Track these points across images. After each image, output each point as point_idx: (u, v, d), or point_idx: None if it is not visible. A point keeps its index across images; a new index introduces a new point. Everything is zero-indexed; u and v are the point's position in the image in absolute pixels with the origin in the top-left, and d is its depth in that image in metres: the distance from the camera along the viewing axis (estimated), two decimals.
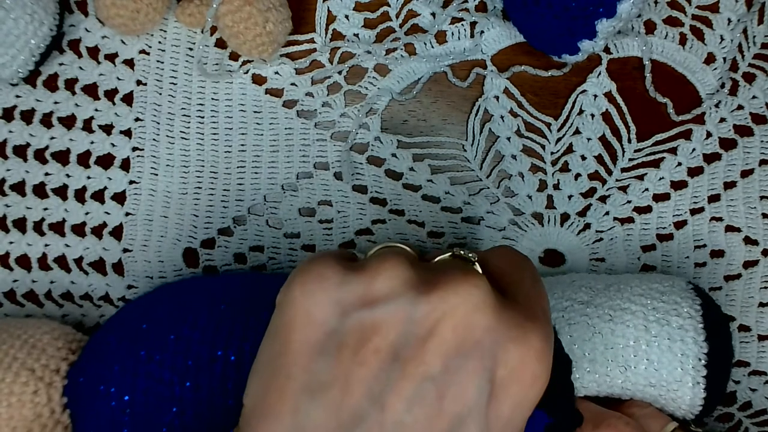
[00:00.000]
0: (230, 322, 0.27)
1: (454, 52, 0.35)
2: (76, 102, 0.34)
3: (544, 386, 0.20)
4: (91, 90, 0.34)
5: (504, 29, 0.35)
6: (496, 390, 0.19)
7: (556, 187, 0.35)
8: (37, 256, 0.34)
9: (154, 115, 0.34)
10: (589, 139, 0.34)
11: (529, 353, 0.20)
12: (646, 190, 0.34)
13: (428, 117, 0.35)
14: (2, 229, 0.34)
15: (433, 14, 0.35)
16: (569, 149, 0.35)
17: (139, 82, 0.34)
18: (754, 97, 0.34)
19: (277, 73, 0.35)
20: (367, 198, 0.35)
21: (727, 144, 0.34)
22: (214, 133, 0.35)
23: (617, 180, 0.34)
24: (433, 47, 0.35)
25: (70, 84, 0.34)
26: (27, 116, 0.34)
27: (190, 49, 0.35)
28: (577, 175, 0.35)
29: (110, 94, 0.34)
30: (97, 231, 0.34)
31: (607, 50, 0.35)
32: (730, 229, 0.34)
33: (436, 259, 0.22)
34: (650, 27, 0.35)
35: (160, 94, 0.35)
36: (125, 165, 0.34)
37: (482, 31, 0.35)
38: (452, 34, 0.35)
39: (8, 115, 0.34)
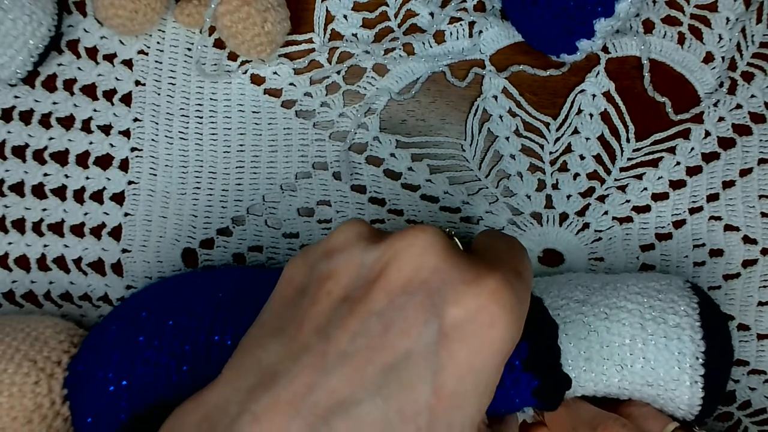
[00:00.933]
0: (227, 309, 0.27)
1: (452, 52, 0.35)
2: (75, 102, 0.34)
3: (507, 330, 0.20)
4: (89, 90, 0.34)
5: (502, 29, 0.35)
6: (449, 330, 0.20)
7: (555, 186, 0.35)
8: (36, 257, 0.34)
9: (152, 116, 0.34)
10: (587, 139, 0.34)
11: (483, 294, 0.20)
12: (645, 189, 0.34)
13: (427, 117, 0.35)
14: (1, 230, 0.34)
15: (432, 14, 0.35)
16: (568, 149, 0.35)
17: (137, 83, 0.35)
18: (752, 96, 0.34)
19: (275, 73, 0.35)
20: (366, 198, 0.35)
21: (726, 143, 0.34)
22: (213, 134, 0.35)
23: (616, 179, 0.34)
24: (431, 47, 0.35)
25: (69, 84, 0.34)
26: (26, 117, 0.34)
27: (189, 49, 0.35)
28: (576, 175, 0.35)
29: (109, 95, 0.34)
30: (96, 231, 0.34)
31: (605, 50, 0.35)
32: (729, 228, 0.34)
33: None
34: (649, 26, 0.35)
35: (159, 94, 0.35)
36: (124, 165, 0.34)
37: (481, 31, 0.35)
38: (451, 33, 0.35)
39: (7, 115, 0.34)
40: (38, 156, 0.34)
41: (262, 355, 0.21)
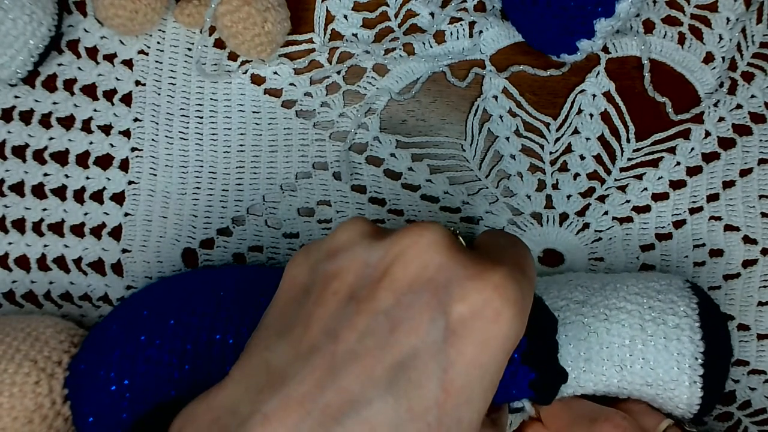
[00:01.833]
0: (229, 307, 0.27)
1: (452, 52, 0.35)
2: (75, 102, 0.34)
3: (512, 325, 0.20)
4: (89, 90, 0.34)
5: (502, 29, 0.35)
6: (456, 326, 0.20)
7: (555, 186, 0.35)
8: (36, 257, 0.34)
9: (152, 116, 0.34)
10: (587, 139, 0.34)
11: (487, 288, 0.20)
12: (645, 189, 0.34)
13: (427, 117, 0.35)
14: (1, 230, 0.34)
15: (432, 14, 0.35)
16: (568, 149, 0.35)
17: (137, 83, 0.34)
18: (752, 96, 0.34)
19: (275, 73, 0.35)
20: (366, 198, 0.35)
21: (726, 143, 0.34)
22: (213, 134, 0.35)
23: (616, 179, 0.34)
24: (431, 47, 0.35)
25: (69, 84, 0.34)
26: (26, 117, 0.34)
27: (189, 49, 0.35)
28: (576, 175, 0.35)
29: (109, 95, 0.34)
30: (96, 231, 0.34)
31: (605, 50, 0.35)
32: (729, 228, 0.34)
33: None
34: (649, 26, 0.35)
35: (159, 94, 0.35)
36: (124, 165, 0.34)
37: (481, 31, 0.35)
38: (451, 33, 0.35)
39: (7, 115, 0.34)
40: (38, 156, 0.34)
41: (270, 357, 0.21)
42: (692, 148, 0.34)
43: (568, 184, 0.34)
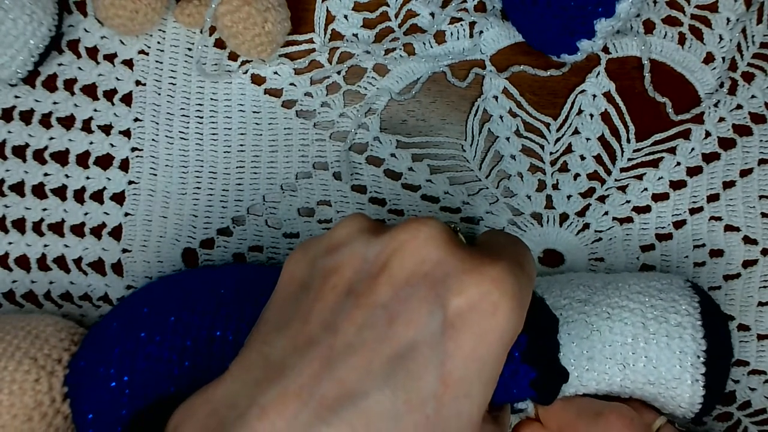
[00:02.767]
0: (229, 305, 0.27)
1: (453, 52, 0.35)
2: (75, 102, 0.34)
3: (510, 318, 0.20)
4: (90, 90, 0.34)
5: (503, 29, 0.35)
6: (454, 320, 0.20)
7: (555, 187, 0.35)
8: (36, 257, 0.34)
9: (153, 116, 0.34)
10: (588, 139, 0.34)
11: (485, 282, 0.20)
12: (645, 189, 0.34)
13: (427, 117, 0.35)
14: (1, 230, 0.34)
15: (432, 14, 0.35)
16: (568, 149, 0.35)
17: (138, 83, 0.34)
18: (753, 96, 0.34)
19: (276, 73, 0.35)
20: (366, 198, 0.35)
21: (726, 143, 0.34)
22: (213, 134, 0.35)
23: (616, 180, 0.34)
24: (432, 47, 0.35)
25: (69, 84, 0.34)
26: (26, 117, 0.34)
27: (189, 49, 0.35)
28: (576, 175, 0.35)
29: (109, 95, 0.34)
30: (96, 231, 0.34)
31: (605, 50, 0.35)
32: (729, 228, 0.34)
33: None
34: (649, 26, 0.35)
35: (159, 94, 0.35)
36: (124, 165, 0.34)
37: (481, 31, 0.35)
38: (451, 34, 0.35)
39: (7, 115, 0.34)
40: (38, 156, 0.34)
41: (268, 351, 0.21)
42: (692, 149, 0.34)
43: (568, 185, 0.34)
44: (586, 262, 0.34)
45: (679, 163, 0.34)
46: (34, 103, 0.34)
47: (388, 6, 0.35)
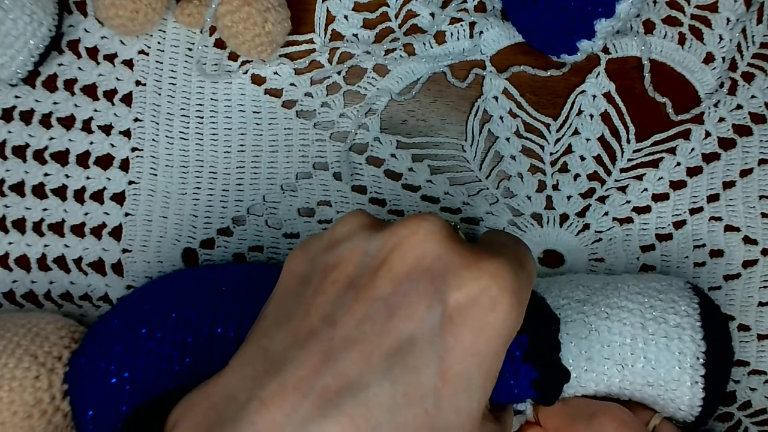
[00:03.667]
0: (230, 302, 0.27)
1: (453, 53, 0.35)
2: (75, 102, 0.34)
3: (509, 313, 0.20)
4: (90, 90, 0.34)
5: (503, 29, 0.35)
6: (453, 314, 0.20)
7: (555, 187, 0.35)
8: (37, 257, 0.34)
9: (153, 116, 0.34)
10: (588, 140, 0.34)
11: (484, 277, 0.20)
12: (645, 190, 0.34)
13: (427, 117, 0.35)
14: (1, 230, 0.34)
15: (432, 14, 0.35)
16: (568, 150, 0.35)
17: (138, 83, 0.35)
18: (753, 96, 0.34)
19: (276, 73, 0.35)
20: (367, 198, 0.35)
21: (726, 143, 0.34)
22: (213, 134, 0.35)
23: (616, 180, 0.34)
24: (432, 47, 0.35)
25: (69, 84, 0.34)
26: (26, 117, 0.34)
27: (189, 49, 0.35)
28: (576, 176, 0.35)
29: (109, 95, 0.34)
30: (97, 231, 0.34)
31: (605, 50, 0.35)
32: (729, 228, 0.34)
33: None
34: (649, 27, 0.35)
35: (159, 94, 0.35)
36: (124, 165, 0.34)
37: (481, 32, 0.35)
38: (451, 34, 0.35)
39: (7, 115, 0.34)
40: (39, 156, 0.34)
41: (268, 345, 0.21)
42: (692, 149, 0.34)
43: (568, 185, 0.34)
44: (586, 262, 0.34)
45: (679, 164, 0.34)
46: (34, 103, 0.34)
47: (389, 6, 0.35)
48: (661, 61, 0.35)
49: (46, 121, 0.34)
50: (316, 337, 0.20)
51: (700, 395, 0.27)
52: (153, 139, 0.34)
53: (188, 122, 0.35)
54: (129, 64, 0.35)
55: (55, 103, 0.34)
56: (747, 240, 0.34)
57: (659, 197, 0.34)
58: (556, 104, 0.35)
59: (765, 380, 0.34)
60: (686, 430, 0.29)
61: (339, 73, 0.35)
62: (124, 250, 0.34)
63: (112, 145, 0.34)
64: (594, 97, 0.34)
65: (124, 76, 0.35)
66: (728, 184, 0.34)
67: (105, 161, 0.34)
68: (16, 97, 0.34)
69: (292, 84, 0.35)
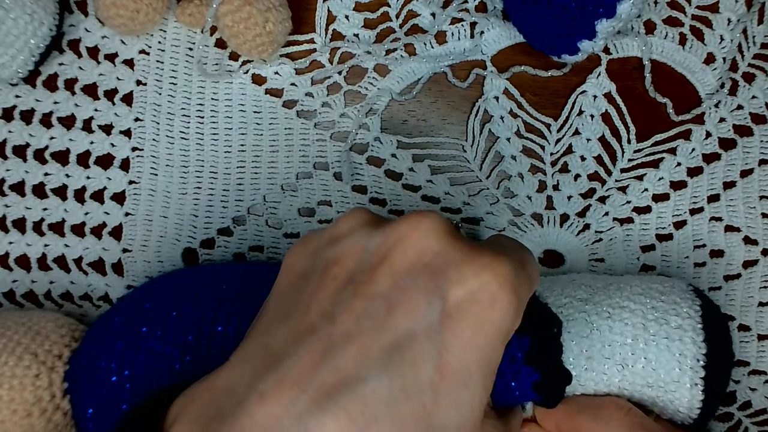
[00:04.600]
0: (231, 301, 0.28)
1: (453, 53, 0.35)
2: (76, 102, 0.34)
3: (508, 310, 0.20)
4: (90, 90, 0.34)
5: (504, 30, 0.35)
6: (452, 310, 0.20)
7: (556, 187, 0.35)
8: (37, 257, 0.34)
9: (153, 115, 0.34)
10: (588, 140, 0.34)
11: (484, 273, 0.20)
12: (646, 190, 0.34)
13: (428, 117, 0.35)
14: (2, 229, 0.34)
15: (433, 15, 0.35)
16: (569, 150, 0.35)
17: (138, 82, 0.34)
18: (753, 97, 0.34)
19: (276, 73, 0.35)
20: (367, 198, 0.35)
21: (727, 144, 0.34)
22: (214, 133, 0.35)
23: (617, 180, 0.34)
24: (433, 47, 0.35)
25: (70, 84, 0.34)
26: (26, 116, 0.34)
27: (190, 49, 0.35)
28: (577, 176, 0.35)
29: (110, 94, 0.34)
30: (97, 231, 0.34)
31: (606, 50, 0.35)
32: (729, 228, 0.34)
33: None
34: (650, 27, 0.35)
35: (160, 94, 0.35)
36: (125, 165, 0.34)
37: (482, 32, 0.35)
38: (452, 34, 0.35)
39: (8, 115, 0.34)
40: (39, 155, 0.34)
41: (268, 341, 0.21)
42: (693, 149, 0.34)
43: (568, 185, 0.34)
44: (586, 262, 0.34)
45: (679, 164, 0.34)
46: (34, 103, 0.34)
47: (389, 6, 0.35)
48: (661, 62, 0.35)
49: (46, 121, 0.34)
50: (315, 333, 0.20)
51: (700, 397, 0.27)
52: (153, 139, 0.34)
53: (189, 122, 0.35)
54: (130, 63, 0.35)
55: (55, 102, 0.34)
56: (747, 240, 0.34)
57: (660, 197, 0.34)
58: (557, 104, 0.35)
59: (765, 380, 0.34)
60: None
61: (340, 73, 0.35)
62: (125, 250, 0.34)
63: (113, 145, 0.34)
64: (595, 97, 0.34)
65: (124, 76, 0.35)
66: (729, 185, 0.34)
67: (105, 161, 0.34)
68: (17, 96, 0.34)
69: (292, 84, 0.35)
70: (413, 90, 0.35)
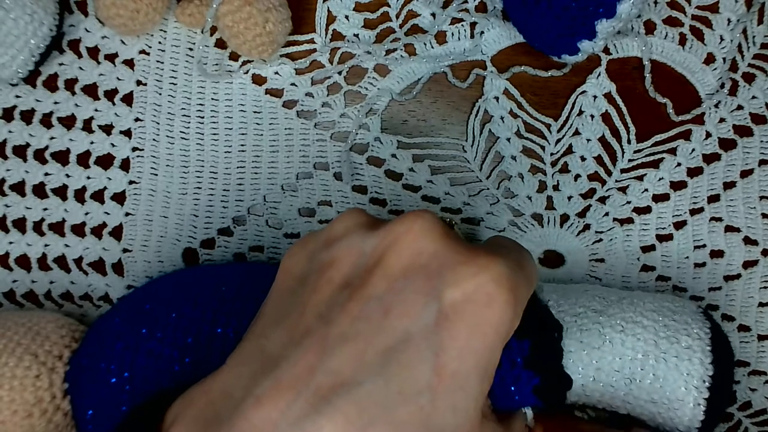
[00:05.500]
0: (231, 302, 0.28)
1: (454, 53, 0.35)
2: (76, 102, 0.34)
3: (505, 311, 0.20)
4: (90, 90, 0.34)
5: (504, 30, 0.35)
6: (449, 311, 0.20)
7: (556, 188, 0.35)
8: (37, 257, 0.34)
9: (153, 116, 0.34)
10: (588, 140, 0.34)
11: (480, 273, 0.20)
12: (646, 190, 0.34)
13: (428, 117, 0.35)
14: (2, 229, 0.34)
15: (433, 15, 0.35)
16: (569, 150, 0.35)
17: (138, 83, 0.35)
18: (753, 97, 0.34)
19: (277, 73, 0.35)
20: (367, 198, 0.35)
21: (727, 144, 0.34)
22: (214, 133, 0.35)
23: (617, 181, 0.34)
24: (433, 48, 0.35)
25: (70, 84, 0.34)
26: (27, 116, 0.34)
27: (190, 49, 0.35)
28: (577, 176, 0.35)
29: (110, 95, 0.34)
30: (97, 231, 0.34)
31: (606, 51, 0.35)
32: (729, 229, 0.34)
33: None
34: (650, 27, 0.35)
35: (160, 94, 0.35)
36: (125, 165, 0.34)
37: (482, 32, 0.35)
38: (452, 34, 0.35)
39: (8, 115, 0.34)
40: (39, 155, 0.34)
41: (265, 344, 0.21)
42: (693, 149, 0.34)
43: (568, 186, 0.34)
44: (586, 263, 0.34)
45: (679, 164, 0.34)
46: (35, 103, 0.34)
47: (389, 6, 0.35)
48: (661, 62, 0.35)
49: (46, 121, 0.34)
50: (311, 336, 0.20)
51: (701, 417, 0.27)
52: (154, 139, 0.34)
53: (189, 122, 0.35)
54: (130, 63, 0.35)
55: (55, 102, 0.34)
56: (747, 240, 0.34)
57: (660, 198, 0.34)
58: (557, 104, 0.35)
59: (765, 381, 0.34)
60: None
61: (340, 73, 0.35)
62: (125, 250, 0.34)
63: (113, 145, 0.34)
64: (595, 97, 0.34)
65: (124, 76, 0.35)
66: (729, 185, 0.34)
67: (106, 161, 0.34)
68: (17, 96, 0.34)
69: (292, 84, 0.35)
70: (413, 90, 0.35)
